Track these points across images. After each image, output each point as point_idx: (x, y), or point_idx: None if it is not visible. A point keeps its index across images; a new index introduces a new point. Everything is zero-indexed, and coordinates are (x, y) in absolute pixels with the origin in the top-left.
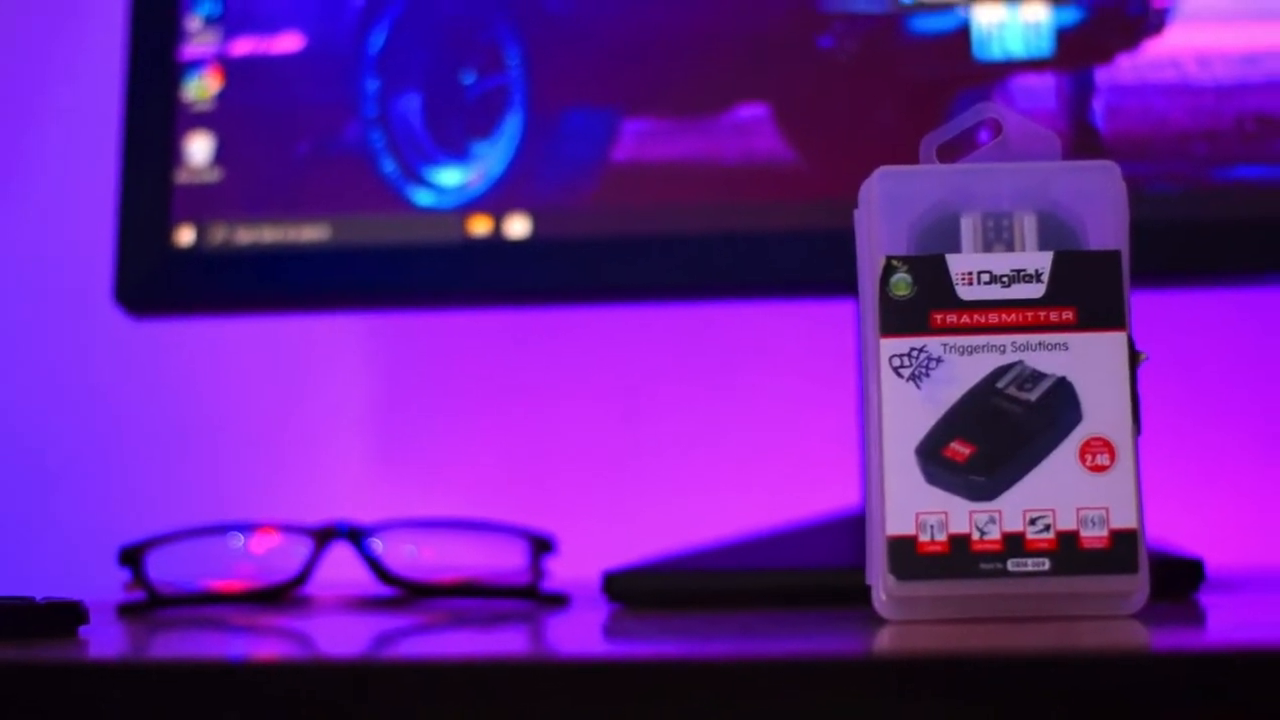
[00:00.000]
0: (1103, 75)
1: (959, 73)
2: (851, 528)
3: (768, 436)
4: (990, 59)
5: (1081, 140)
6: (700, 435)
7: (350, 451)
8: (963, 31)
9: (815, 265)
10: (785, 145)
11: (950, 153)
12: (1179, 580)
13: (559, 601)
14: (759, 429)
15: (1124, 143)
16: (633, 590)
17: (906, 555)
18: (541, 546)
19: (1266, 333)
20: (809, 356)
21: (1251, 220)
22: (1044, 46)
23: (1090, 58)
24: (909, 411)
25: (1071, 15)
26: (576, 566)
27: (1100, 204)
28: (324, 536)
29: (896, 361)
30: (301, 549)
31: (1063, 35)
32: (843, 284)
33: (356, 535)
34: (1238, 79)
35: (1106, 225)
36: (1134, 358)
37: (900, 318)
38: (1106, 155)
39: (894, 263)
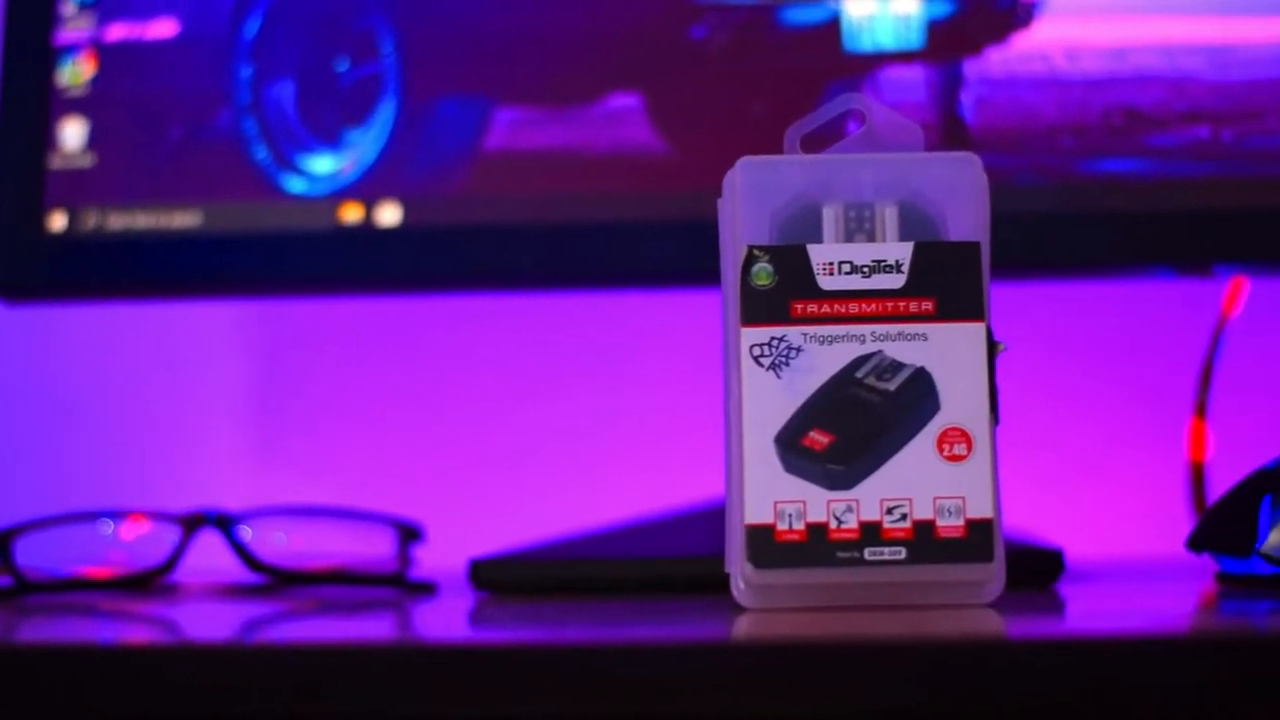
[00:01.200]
0: (972, 68)
1: (829, 64)
2: (717, 517)
3: (641, 426)
4: (860, 51)
5: (950, 132)
6: (573, 425)
7: (225, 439)
8: (833, 23)
9: (685, 255)
10: (657, 135)
11: (818, 143)
12: (1038, 570)
13: (426, 589)
14: (633, 418)
15: (992, 135)
16: (498, 578)
17: (764, 544)
18: (409, 535)
19: (1128, 325)
20: (684, 346)
21: (1117, 213)
22: (914, 39)
23: (960, 50)
24: (768, 400)
25: (941, 8)
26: (448, 555)
27: (961, 195)
28: (192, 524)
29: (757, 351)
30: (170, 536)
31: (933, 28)
32: (711, 274)
33: (225, 522)
34: (1106, 73)
35: (967, 217)
36: (992, 348)
37: (761, 307)
38: (975, 147)
39: (755, 252)
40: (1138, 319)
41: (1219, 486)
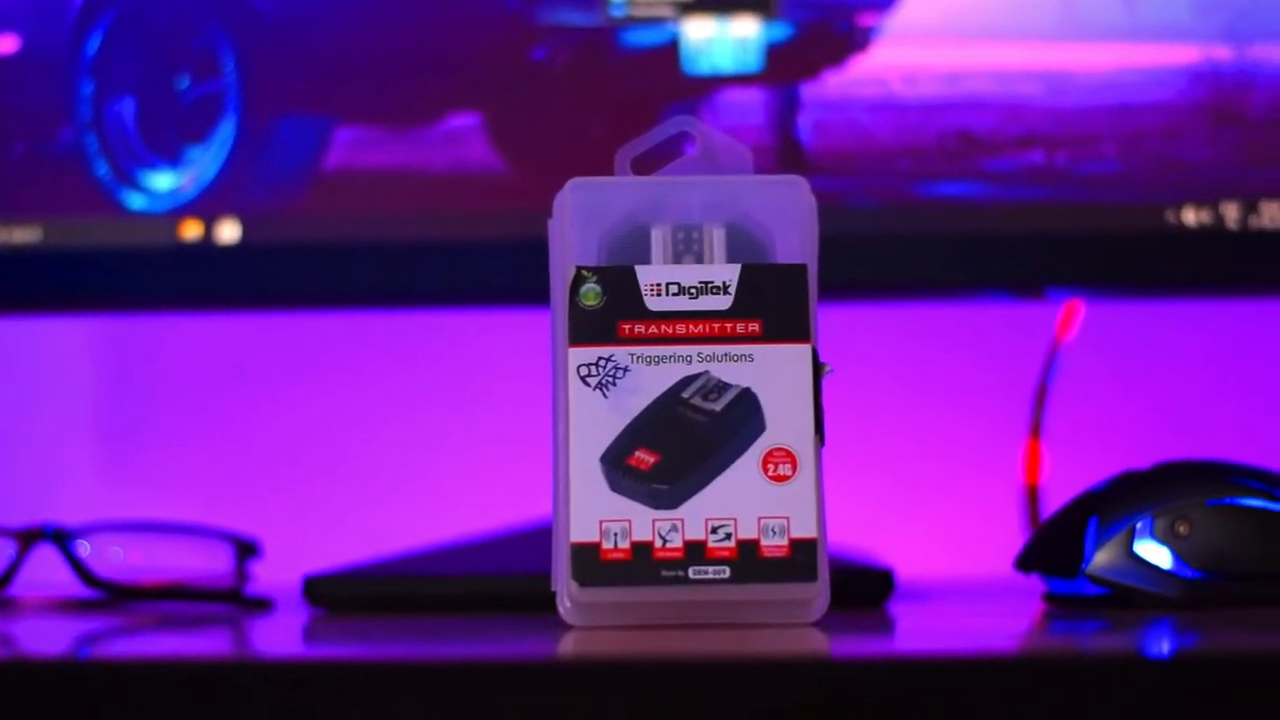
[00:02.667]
0: (809, 91)
1: (668, 86)
2: (549, 535)
3: (476, 444)
4: (699, 73)
5: (787, 155)
6: (409, 442)
7: (65, 454)
8: (672, 46)
9: (522, 275)
10: (496, 155)
11: (652, 165)
12: (868, 590)
13: (262, 605)
14: (468, 436)
15: (829, 158)
16: (332, 595)
17: (589, 562)
18: (246, 550)
19: (964, 347)
20: (521, 365)
21: (952, 236)
22: (752, 62)
23: (797, 74)
24: (595, 420)
25: (780, 32)
26: (287, 571)
27: (789, 218)
28: (29, 538)
29: (584, 370)
30: (6, 550)
31: (771, 51)
32: (547, 293)
33: (61, 537)
34: (942, 97)
35: (794, 239)
36: (818, 370)
37: (588, 327)
38: (811, 170)
39: (584, 273)
40: (973, 341)
41: (1053, 508)
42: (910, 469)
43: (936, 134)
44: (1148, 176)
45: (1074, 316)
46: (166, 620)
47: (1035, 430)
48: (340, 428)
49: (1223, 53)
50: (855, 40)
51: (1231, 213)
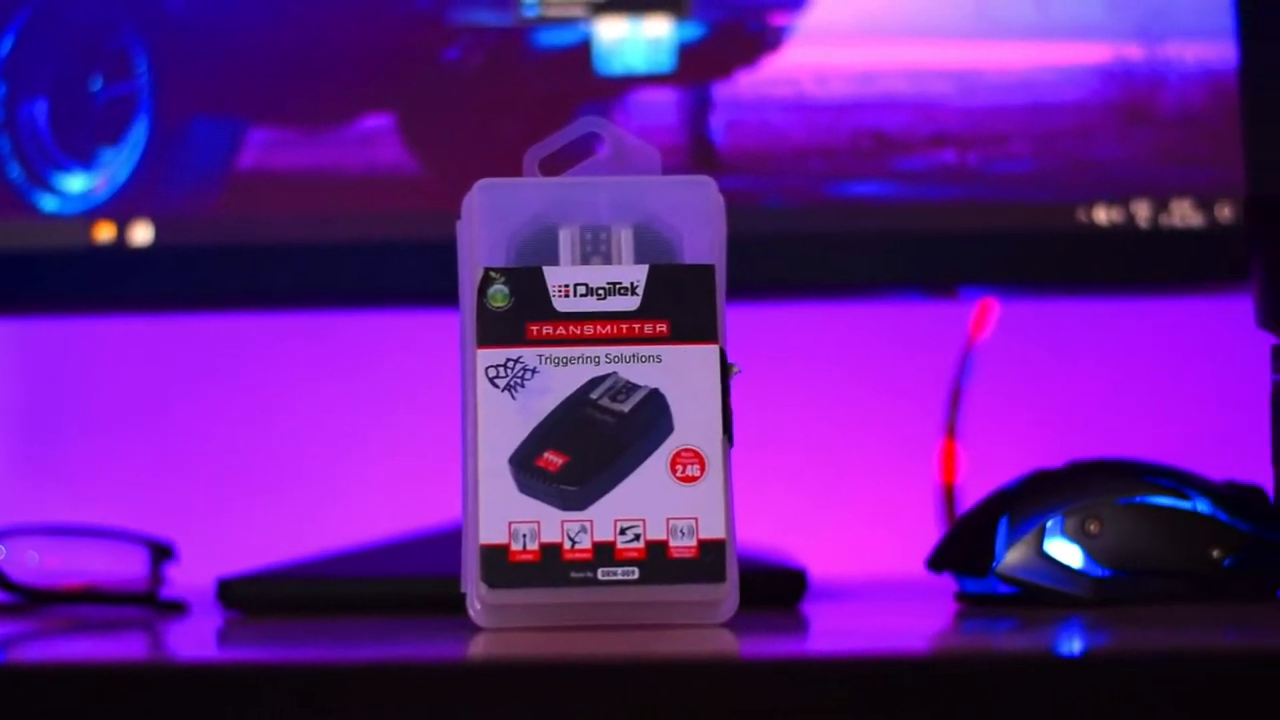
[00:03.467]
0: (722, 91)
1: (580, 87)
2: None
3: (392, 446)
4: (611, 74)
5: (699, 155)
6: (328, 444)
7: None
8: (585, 46)
9: (435, 275)
10: (409, 156)
11: (563, 165)
12: (781, 590)
13: (177, 608)
14: (383, 438)
15: (742, 157)
16: (246, 597)
17: (498, 563)
18: (161, 553)
19: (875, 346)
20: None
21: (864, 235)
22: (665, 62)
23: (710, 74)
24: (504, 421)
25: (692, 32)
26: (203, 574)
27: (697, 218)
28: None
29: (492, 372)
30: None
31: (684, 51)
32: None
33: None
34: (854, 97)
35: (703, 239)
36: (726, 370)
37: (497, 329)
38: (724, 170)
39: (492, 274)
40: (888, 341)
41: (968, 507)
42: (827, 469)
43: (849, 133)
44: (1060, 175)
45: (988, 315)
46: (81, 624)
47: (951, 429)
48: (255, 430)
49: (1134, 52)
50: (768, 40)
51: (1143, 211)
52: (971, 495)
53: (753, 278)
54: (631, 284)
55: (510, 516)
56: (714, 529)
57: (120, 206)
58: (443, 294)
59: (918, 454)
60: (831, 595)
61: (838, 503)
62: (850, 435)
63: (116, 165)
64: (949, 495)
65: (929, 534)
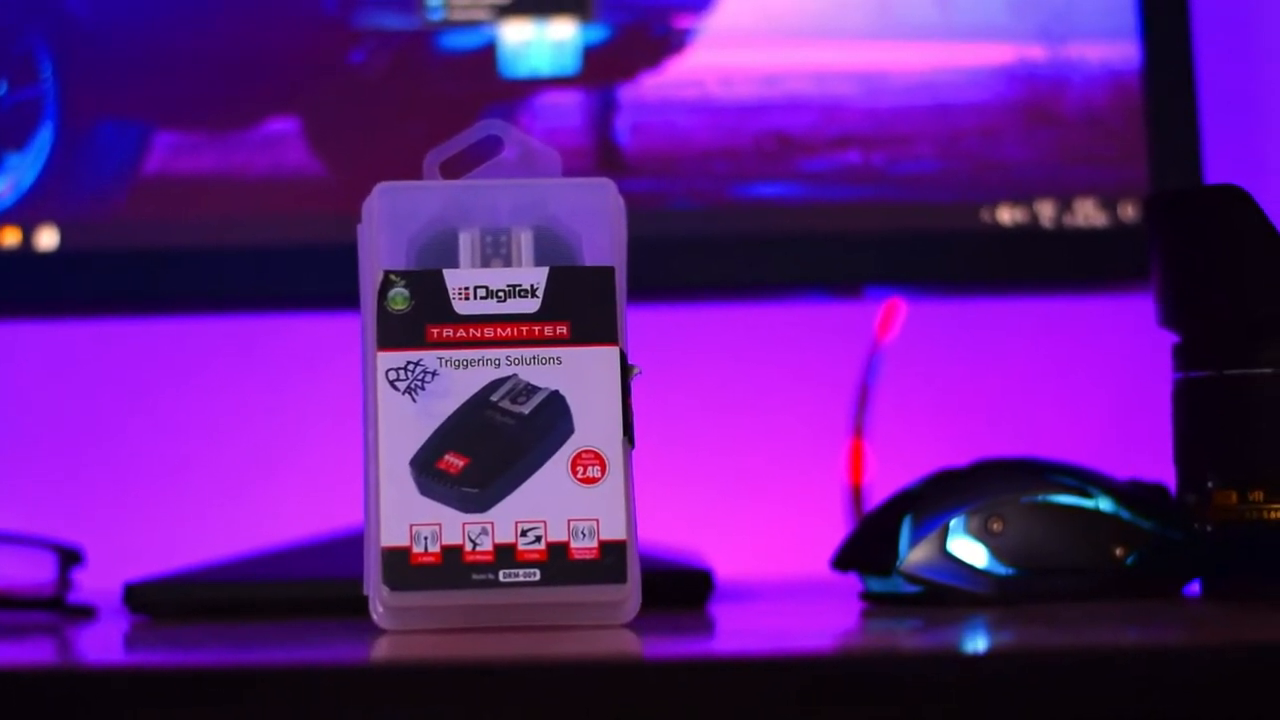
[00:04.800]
0: (627, 93)
1: (485, 89)
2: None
3: (302, 449)
4: (516, 76)
5: (605, 157)
6: (234, 447)
7: None
8: (490, 49)
9: (339, 278)
10: (314, 159)
11: (464, 168)
12: (687, 591)
13: (85, 613)
14: (290, 441)
15: (647, 159)
16: (152, 601)
17: (400, 566)
18: (69, 558)
19: (782, 347)
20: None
21: (770, 236)
22: (570, 65)
23: (615, 76)
24: (404, 424)
25: (597, 34)
26: (112, 579)
27: (597, 220)
28: None
29: (393, 375)
30: None
31: (589, 54)
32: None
33: None
34: (758, 98)
35: (603, 241)
36: (626, 372)
37: (397, 331)
38: (629, 172)
39: (392, 277)
40: (795, 342)
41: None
42: (735, 470)
43: (753, 135)
44: (964, 176)
45: (894, 316)
46: None
47: (858, 429)
48: (161, 434)
49: (1037, 53)
50: (672, 42)
51: (1046, 211)
52: (879, 495)
53: (659, 279)
54: (531, 286)
55: (411, 519)
56: (615, 530)
57: (25, 211)
58: (347, 297)
59: (826, 454)
60: (738, 595)
61: (746, 503)
62: (758, 436)
63: (21, 170)
64: (857, 495)
65: (837, 533)
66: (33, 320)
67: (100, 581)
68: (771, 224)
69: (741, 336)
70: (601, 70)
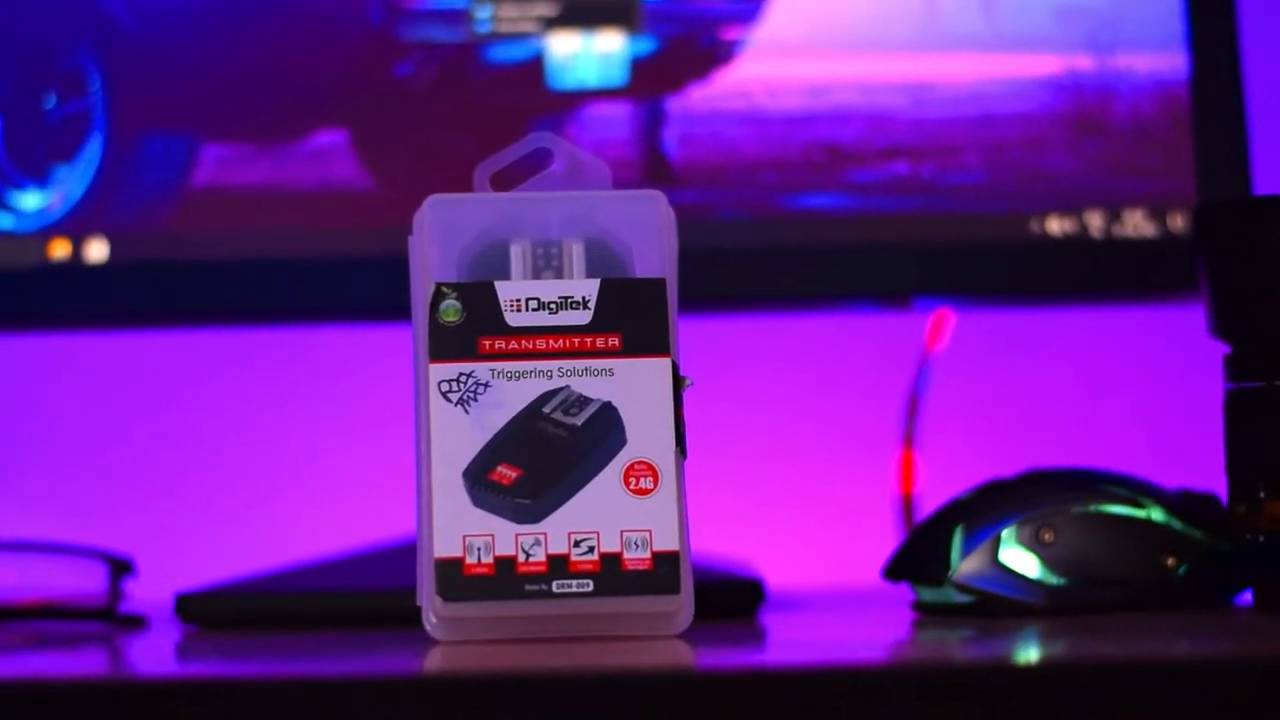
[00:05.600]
0: (675, 105)
1: (533, 102)
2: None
3: (351, 460)
4: (564, 88)
5: (653, 169)
6: (284, 458)
7: None
8: (537, 61)
9: (388, 291)
10: (362, 172)
11: (514, 181)
12: (738, 601)
13: (136, 623)
14: (339, 453)
15: (695, 171)
16: (204, 612)
17: (453, 577)
18: (120, 568)
19: (831, 358)
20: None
21: (819, 247)
22: (617, 76)
23: (662, 88)
24: (457, 435)
25: (644, 46)
26: (162, 589)
27: (647, 232)
28: None
29: (445, 386)
30: None
31: (636, 65)
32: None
33: None
34: (806, 110)
35: (653, 253)
36: (678, 383)
37: (449, 343)
38: (677, 183)
39: (443, 289)
40: (844, 353)
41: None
42: (785, 481)
43: (801, 146)
44: (1012, 186)
45: (944, 326)
46: (40, 639)
47: (908, 440)
48: (212, 445)
49: (1085, 63)
50: (719, 54)
51: (1095, 222)
52: (929, 505)
53: (708, 290)
54: (583, 298)
55: (464, 530)
56: (668, 541)
57: (76, 224)
58: (396, 309)
59: (876, 464)
60: (789, 606)
61: (796, 513)
62: (808, 446)
63: (71, 182)
64: (907, 505)
65: (887, 544)
66: (82, 332)
67: (151, 592)
68: (820, 235)
69: (790, 347)
70: (649, 82)
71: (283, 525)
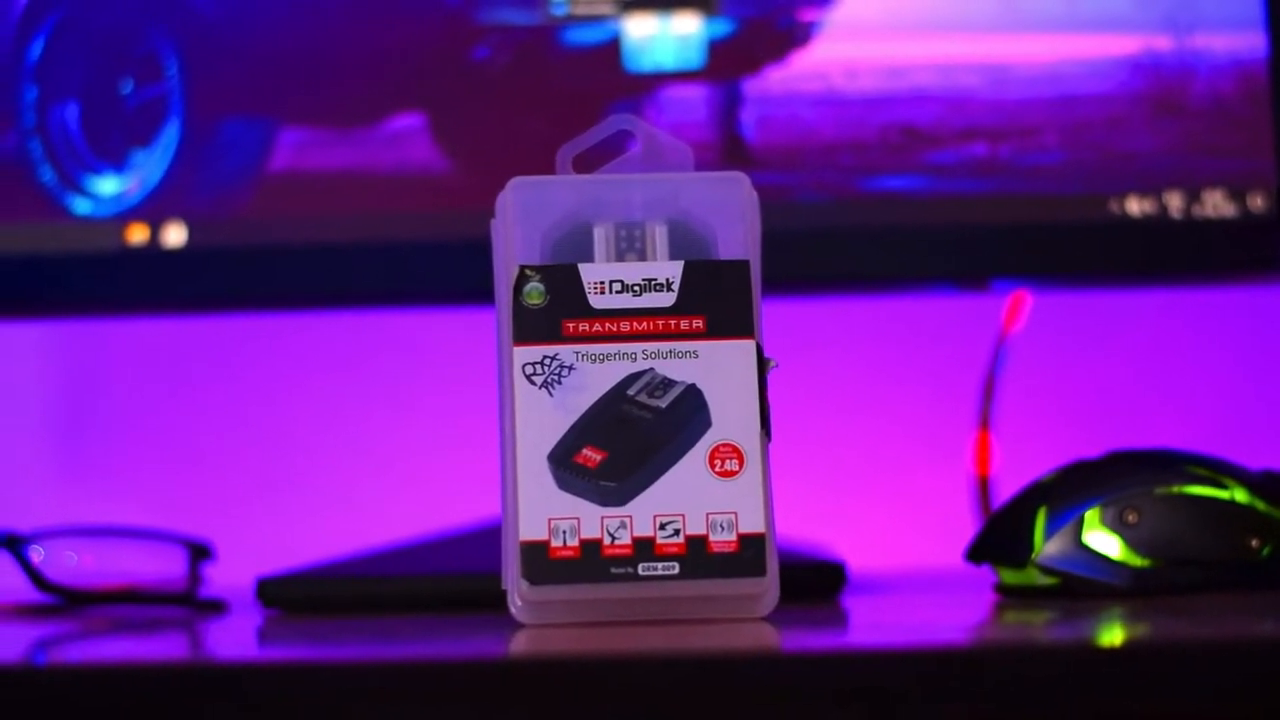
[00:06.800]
0: (752, 87)
1: (610, 84)
2: (499, 535)
3: (431, 443)
4: (641, 71)
5: (730, 151)
6: (363, 442)
7: (20, 459)
8: (614, 44)
9: (467, 274)
10: (439, 156)
11: (594, 163)
12: (820, 584)
13: (216, 608)
14: (419, 436)
15: (772, 153)
16: (285, 596)
17: (538, 560)
18: (199, 553)
19: (908, 340)
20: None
21: (896, 229)
22: (694, 58)
23: (739, 70)
24: (541, 418)
25: (721, 28)
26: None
27: (730, 214)
28: None
29: (529, 369)
30: None
31: (713, 47)
32: (491, 293)
33: (14, 543)
34: (883, 91)
35: (736, 234)
36: (763, 365)
37: (533, 326)
38: (755, 165)
39: (527, 272)
40: (921, 334)
41: (1004, 498)
42: (861, 462)
43: (879, 127)
44: (1091, 167)
45: (1020, 307)
46: (121, 624)
47: (984, 421)
48: (291, 429)
49: (1163, 43)
50: (796, 35)
51: (1175, 202)
52: (1005, 487)
53: (784, 273)
54: (667, 280)
55: (550, 513)
56: (754, 523)
57: (153, 208)
58: (473, 292)
59: (952, 446)
60: (869, 588)
61: (872, 495)
62: (884, 428)
63: (148, 167)
64: (983, 487)
65: (962, 526)
66: (160, 316)
67: (230, 577)
68: (897, 216)
69: (867, 329)
70: (726, 64)
71: (364, 509)
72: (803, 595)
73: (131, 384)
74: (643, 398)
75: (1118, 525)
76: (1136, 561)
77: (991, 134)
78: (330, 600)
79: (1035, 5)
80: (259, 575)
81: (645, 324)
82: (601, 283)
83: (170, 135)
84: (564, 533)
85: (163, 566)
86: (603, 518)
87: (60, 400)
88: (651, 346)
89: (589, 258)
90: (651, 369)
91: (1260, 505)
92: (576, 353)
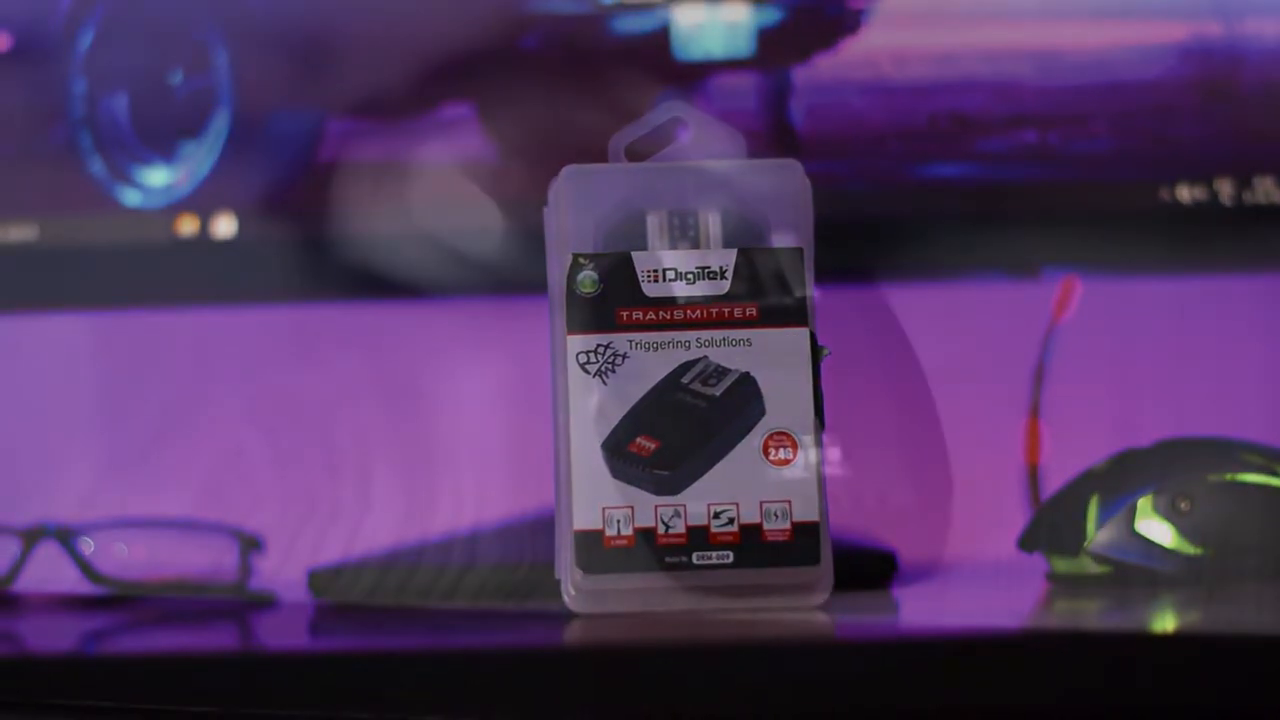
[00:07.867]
0: (801, 75)
1: (660, 73)
2: (551, 524)
3: (482, 432)
4: (690, 59)
5: (779, 139)
6: (414, 432)
7: (69, 450)
8: (663, 32)
9: (515, 263)
10: (489, 144)
11: (644, 152)
12: (872, 572)
13: (265, 599)
14: (470, 426)
15: (821, 141)
16: (336, 587)
17: (592, 549)
18: (249, 544)
19: (958, 328)
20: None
21: (945, 217)
22: (743, 47)
23: (789, 58)
24: (595, 407)
25: (771, 16)
26: (292, 564)
27: (783, 201)
28: (32, 536)
29: (583, 358)
30: (10, 548)
31: (762, 36)
32: (543, 282)
33: (65, 534)
34: (932, 79)
35: (790, 222)
36: (816, 353)
37: (586, 314)
38: (804, 153)
39: (580, 260)
40: (971, 322)
41: (1054, 487)
42: (911, 450)
43: (928, 115)
44: (1141, 154)
45: (1070, 295)
46: (171, 615)
47: (1035, 410)
48: (340, 419)
49: (1213, 29)
50: (845, 23)
51: (1225, 189)
52: (1056, 475)
53: (833, 261)
54: (720, 268)
55: (603, 502)
56: (808, 511)
57: (203, 199)
58: (524, 281)
59: (1002, 434)
60: (920, 577)
61: (922, 484)
62: (934, 416)
63: (198, 158)
64: (1033, 475)
65: (1011, 514)
66: (211, 307)
67: (280, 568)
68: (947, 204)
69: (917, 317)
70: (775, 52)
71: (415, 500)
72: (854, 583)
73: (181, 375)
74: (696, 386)
75: (1170, 513)
76: (1189, 549)
77: (1041, 121)
78: (383, 591)
79: None
80: (309, 566)
81: (699, 312)
82: (655, 270)
83: (219, 126)
84: (618, 522)
85: (213, 558)
86: (656, 506)
87: (110, 392)
88: (705, 334)
89: (642, 245)
90: (705, 357)
91: None
92: (630, 341)
